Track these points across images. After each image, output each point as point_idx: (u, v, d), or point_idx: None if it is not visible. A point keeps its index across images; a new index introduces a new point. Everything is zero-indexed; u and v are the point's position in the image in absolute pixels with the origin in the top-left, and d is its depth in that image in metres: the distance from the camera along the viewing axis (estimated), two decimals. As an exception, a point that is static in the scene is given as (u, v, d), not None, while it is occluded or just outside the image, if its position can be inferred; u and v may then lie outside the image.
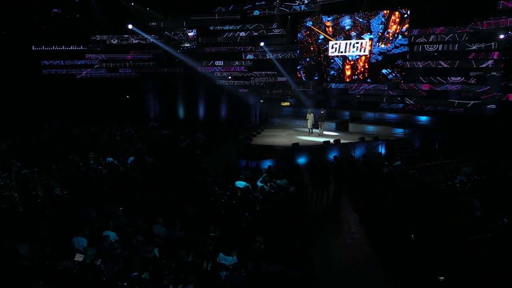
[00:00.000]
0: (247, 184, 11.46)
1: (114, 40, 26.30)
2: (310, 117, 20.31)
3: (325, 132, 20.38)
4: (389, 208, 10.70)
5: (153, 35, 26.65)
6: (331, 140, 17.89)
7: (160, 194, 10.84)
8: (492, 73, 18.90)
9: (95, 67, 26.58)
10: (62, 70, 25.77)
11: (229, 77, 27.36)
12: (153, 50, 27.25)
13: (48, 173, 13.08)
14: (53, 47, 24.94)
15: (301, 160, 16.89)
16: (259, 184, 11.67)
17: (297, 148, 17.01)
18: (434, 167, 14.64)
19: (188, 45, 27.55)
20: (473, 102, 19.64)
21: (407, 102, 21.74)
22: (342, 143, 17.98)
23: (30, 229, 8.41)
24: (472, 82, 19.57)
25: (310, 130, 20.57)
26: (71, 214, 9.24)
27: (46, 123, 22.26)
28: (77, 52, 25.87)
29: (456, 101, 20.16)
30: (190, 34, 27.52)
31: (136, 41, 26.64)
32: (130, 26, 25.76)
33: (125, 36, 26.42)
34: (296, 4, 22.66)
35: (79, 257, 7.24)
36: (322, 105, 22.41)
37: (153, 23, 25.82)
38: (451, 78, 20.11)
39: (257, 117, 27.50)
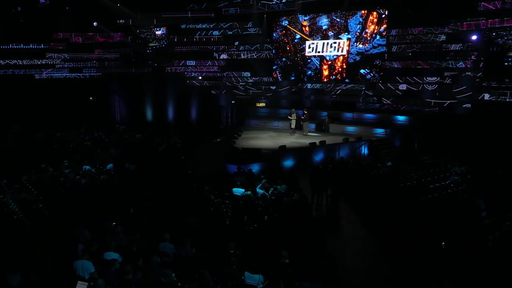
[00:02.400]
0: (248, 192, 10.76)
1: (78, 38, 24.58)
2: (294, 117, 19.94)
3: (308, 133, 20.08)
4: (396, 212, 10.44)
5: (120, 33, 25.21)
6: (317, 142, 17.53)
7: (155, 205, 9.88)
8: (467, 73, 19.34)
9: (56, 67, 24.75)
10: (20, 71, 23.80)
11: (200, 77, 26.47)
12: (120, 49, 25.79)
13: (20, 185, 11.69)
14: (10, 45, 22.91)
15: (288, 162, 16.41)
16: (259, 191, 11.00)
17: (285, 150, 16.50)
18: (425, 167, 14.65)
19: (156, 44, 26.36)
20: (449, 101, 20.02)
21: (384, 102, 21.85)
22: (328, 144, 17.68)
23: (14, 253, 7.30)
24: (447, 82, 19.93)
25: (293, 130, 20.20)
26: (60, 234, 8.15)
27: (5, 127, 20.36)
28: (37, 51, 23.94)
29: (433, 100, 20.47)
30: (158, 32, 26.36)
31: (102, 39, 25.07)
32: (95, 24, 24.22)
33: (90, 34, 24.78)
34: (274, 2, 22.12)
35: (81, 286, 6.28)
36: (297, 105, 22.07)
37: (121, 21, 24.39)
38: (427, 78, 20.38)
39: (228, 119, 26.86)
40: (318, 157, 17.35)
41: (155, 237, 8.02)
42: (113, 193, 11.25)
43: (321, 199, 12.10)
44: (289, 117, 20.35)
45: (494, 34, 18.44)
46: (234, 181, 12.28)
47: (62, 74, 24.97)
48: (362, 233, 10.44)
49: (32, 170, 12.64)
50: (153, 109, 27.60)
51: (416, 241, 8.81)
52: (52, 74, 24.72)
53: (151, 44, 26.25)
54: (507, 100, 18.05)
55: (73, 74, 25.22)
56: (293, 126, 20.11)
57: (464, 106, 19.58)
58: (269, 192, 10.88)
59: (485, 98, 18.70)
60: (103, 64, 25.79)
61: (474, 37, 18.92)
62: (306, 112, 20.04)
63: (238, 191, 11.07)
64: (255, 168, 14.89)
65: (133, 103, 27.27)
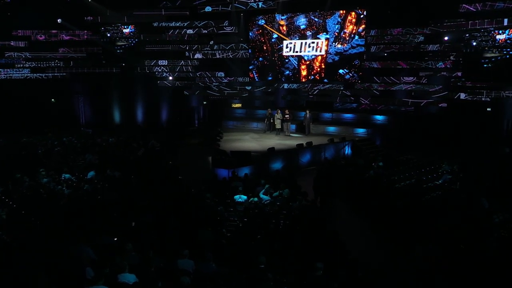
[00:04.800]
0: (255, 199, 10.22)
1: (40, 36, 22.84)
2: (279, 117, 19.68)
3: (291, 134, 19.84)
4: (403, 214, 10.30)
5: (86, 31, 23.72)
6: (304, 143, 17.26)
7: (158, 217, 9.11)
8: (442, 73, 19.83)
9: (16, 66, 22.92)
10: (-25, 71, 21.85)
11: (170, 78, 25.48)
12: (86, 47, 24.29)
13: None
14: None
15: (277, 165, 16.00)
16: (264, 197, 10.50)
17: (273, 152, 16.08)
18: (415, 167, 14.72)
19: (124, 43, 25.08)
20: (425, 101, 20.43)
21: (362, 101, 21.97)
22: (314, 145, 17.46)
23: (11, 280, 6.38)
24: (423, 82, 20.33)
25: (278, 131, 19.99)
26: (59, 254, 7.26)
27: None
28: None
29: (410, 100, 20.82)
30: (126, 30, 25.07)
31: (68, 37, 23.49)
32: (59, 21, 22.60)
33: (54, 31, 23.11)
34: (253, 1, 21.57)
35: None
36: (272, 106, 21.72)
37: (89, 18, 22.86)
38: (404, 78, 20.69)
39: (200, 120, 26.10)
40: (305, 158, 17.09)
41: (168, 253, 7.35)
42: (104, 204, 10.34)
43: (323, 202, 11.76)
44: (277, 117, 19.97)
45: (467, 35, 19.02)
46: (232, 187, 11.70)
47: (23, 74, 23.14)
48: (374, 238, 10.19)
49: (9, 181, 11.35)
50: (121, 111, 26.25)
51: (432, 245, 8.64)
52: (11, 74, 22.87)
53: (120, 43, 24.93)
54: (483, 99, 18.68)
55: (35, 74, 23.44)
56: (278, 126, 19.80)
57: (440, 105, 20.04)
58: (273, 197, 10.42)
59: (461, 97, 19.24)
60: (68, 63, 24.16)
61: (446, 38, 19.46)
62: (288, 112, 19.78)
63: (241, 198, 10.52)
64: (246, 172, 14.33)
65: (99, 105, 25.79)
